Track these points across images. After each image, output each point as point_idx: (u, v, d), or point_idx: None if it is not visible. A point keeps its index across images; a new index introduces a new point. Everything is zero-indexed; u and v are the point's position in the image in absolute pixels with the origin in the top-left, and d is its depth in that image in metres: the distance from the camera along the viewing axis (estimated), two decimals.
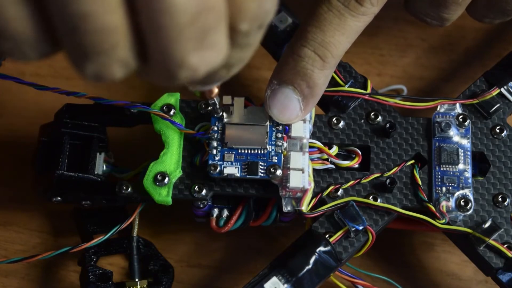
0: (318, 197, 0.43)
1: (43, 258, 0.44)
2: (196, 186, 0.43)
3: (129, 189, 0.43)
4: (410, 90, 0.53)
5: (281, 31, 0.47)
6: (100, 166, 0.45)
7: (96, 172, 0.44)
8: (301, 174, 0.42)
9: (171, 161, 0.43)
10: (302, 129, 0.43)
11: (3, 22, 0.27)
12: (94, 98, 0.45)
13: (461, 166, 0.44)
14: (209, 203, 0.45)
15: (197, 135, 0.44)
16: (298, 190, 0.42)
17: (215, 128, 0.43)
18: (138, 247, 0.47)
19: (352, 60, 0.48)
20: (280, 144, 0.43)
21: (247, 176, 0.42)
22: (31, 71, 0.54)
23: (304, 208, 0.42)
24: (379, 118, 0.45)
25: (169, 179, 0.43)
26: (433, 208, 0.43)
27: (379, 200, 0.43)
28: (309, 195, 0.42)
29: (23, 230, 0.50)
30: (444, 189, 0.43)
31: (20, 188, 0.50)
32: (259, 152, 0.42)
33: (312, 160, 0.43)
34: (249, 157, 0.42)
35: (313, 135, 0.44)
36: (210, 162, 0.42)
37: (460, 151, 0.44)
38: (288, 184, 0.42)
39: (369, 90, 0.45)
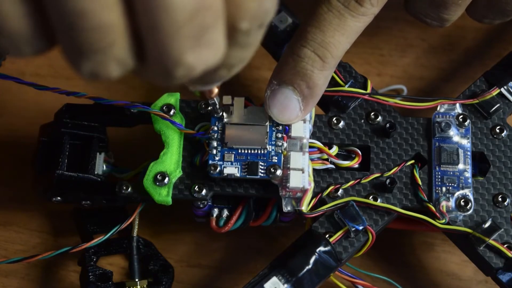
0: (318, 197, 0.43)
1: (43, 258, 0.44)
2: (196, 186, 0.43)
3: (129, 189, 0.43)
4: (410, 90, 0.53)
5: (281, 31, 0.47)
6: (100, 166, 0.45)
7: (96, 172, 0.44)
8: (301, 174, 0.42)
9: (171, 161, 0.43)
10: (302, 129, 0.43)
11: None
12: (94, 98, 0.45)
13: (461, 166, 0.44)
14: (209, 203, 0.45)
15: (197, 135, 0.44)
16: (298, 190, 0.42)
17: (215, 128, 0.43)
18: (138, 247, 0.47)
19: (352, 60, 0.48)
20: (280, 144, 0.43)
21: (247, 176, 0.42)
22: (31, 71, 0.54)
23: (304, 208, 0.42)
24: (379, 118, 0.45)
25: (169, 179, 0.43)
26: (433, 208, 0.43)
27: (379, 200, 0.43)
28: (309, 195, 0.42)
29: (23, 230, 0.50)
30: (444, 189, 0.43)
31: (20, 188, 0.50)
32: (259, 152, 0.42)
33: (312, 160, 0.43)
34: (249, 157, 0.42)
35: (313, 135, 0.44)
36: (210, 162, 0.42)
37: (460, 151, 0.44)
38: (288, 184, 0.42)
39: (369, 90, 0.45)
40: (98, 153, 0.45)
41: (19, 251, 0.50)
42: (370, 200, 0.43)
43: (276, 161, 0.42)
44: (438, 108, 0.45)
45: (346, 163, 0.44)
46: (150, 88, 0.53)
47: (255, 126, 0.43)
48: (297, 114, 0.42)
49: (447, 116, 0.45)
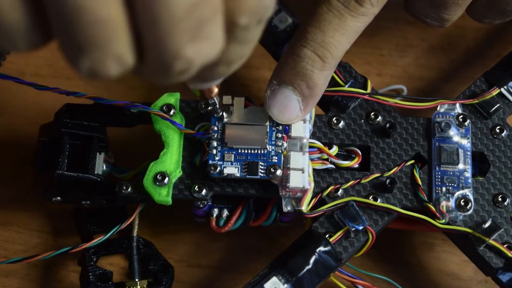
0: (318, 197, 0.43)
1: (43, 258, 0.44)
2: (196, 186, 0.43)
3: (129, 189, 0.43)
4: (410, 90, 0.53)
5: (281, 31, 0.47)
6: (100, 166, 0.45)
7: (96, 172, 0.44)
8: (301, 174, 0.42)
9: (171, 161, 0.43)
10: (302, 129, 0.43)
11: None
12: (94, 98, 0.45)
13: (461, 166, 0.44)
14: (209, 203, 0.45)
15: (197, 135, 0.44)
16: (298, 190, 0.42)
17: (215, 128, 0.43)
18: (138, 247, 0.47)
19: (352, 60, 0.48)
20: (280, 144, 0.43)
21: (247, 176, 0.42)
22: (31, 71, 0.54)
23: (304, 208, 0.42)
24: (379, 118, 0.45)
25: (169, 179, 0.43)
26: (433, 208, 0.43)
27: (379, 200, 0.43)
28: (309, 195, 0.42)
29: (23, 230, 0.50)
30: (444, 189, 0.43)
31: (20, 188, 0.50)
32: (259, 152, 0.42)
33: (312, 160, 0.43)
34: (249, 157, 0.42)
35: (313, 135, 0.44)
36: (210, 162, 0.42)
37: (460, 151, 0.44)
38: (288, 184, 0.42)
39: (369, 90, 0.45)
40: (98, 153, 0.45)
41: (19, 251, 0.50)
42: (370, 200, 0.43)
43: (276, 161, 0.42)
44: (438, 108, 0.45)
45: (346, 163, 0.44)
46: (150, 88, 0.53)
47: (255, 126, 0.43)
48: (297, 114, 0.42)
49: (447, 116, 0.45)
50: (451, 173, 0.44)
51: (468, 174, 0.44)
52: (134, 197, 0.44)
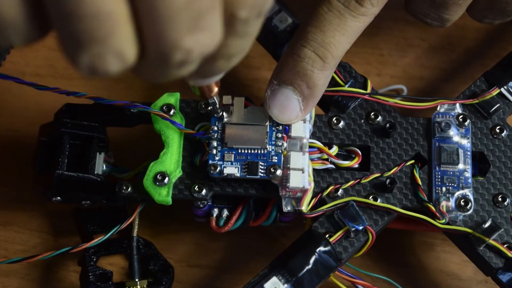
0: (318, 197, 0.43)
1: (43, 258, 0.44)
2: (196, 186, 0.43)
3: (129, 189, 0.43)
4: (410, 90, 0.53)
5: (281, 31, 0.47)
6: (100, 166, 0.45)
7: (96, 172, 0.44)
8: (301, 174, 0.42)
9: (171, 161, 0.43)
10: (302, 129, 0.43)
11: None
12: (94, 98, 0.45)
13: (461, 166, 0.44)
14: (209, 203, 0.45)
15: (197, 135, 0.44)
16: (298, 190, 0.42)
17: (215, 128, 0.43)
18: (138, 247, 0.47)
19: (352, 60, 0.48)
20: (280, 144, 0.43)
21: (247, 176, 0.42)
22: (31, 71, 0.54)
23: (304, 208, 0.42)
24: (379, 118, 0.45)
25: (169, 179, 0.43)
26: (433, 208, 0.43)
27: (379, 200, 0.43)
28: (309, 195, 0.42)
29: (23, 230, 0.50)
30: (444, 189, 0.43)
31: (20, 188, 0.50)
32: (259, 152, 0.42)
33: (312, 160, 0.43)
34: (249, 157, 0.42)
35: (313, 135, 0.44)
36: (210, 162, 0.42)
37: (460, 151, 0.44)
38: (288, 184, 0.42)
39: (369, 90, 0.45)
40: (98, 153, 0.45)
41: (19, 251, 0.50)
42: (370, 200, 0.43)
43: (276, 161, 0.42)
44: (438, 108, 0.45)
45: (346, 163, 0.44)
46: (150, 88, 0.53)
47: (255, 126, 0.43)
48: (297, 114, 0.42)
49: (447, 116, 0.45)
50: (451, 173, 0.44)
51: (468, 174, 0.44)
52: (134, 197, 0.44)
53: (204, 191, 0.43)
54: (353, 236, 0.43)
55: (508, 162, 0.44)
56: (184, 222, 0.50)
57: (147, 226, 0.49)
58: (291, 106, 0.42)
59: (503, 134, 0.45)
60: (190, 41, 0.28)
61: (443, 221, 0.43)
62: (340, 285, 0.43)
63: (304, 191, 0.42)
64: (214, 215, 0.45)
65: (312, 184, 0.43)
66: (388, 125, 0.44)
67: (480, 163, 0.45)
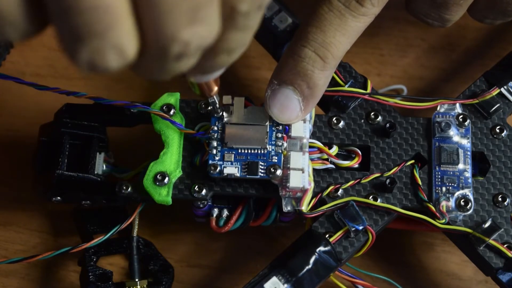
0: (318, 197, 0.43)
1: (43, 258, 0.44)
2: (196, 186, 0.43)
3: (129, 189, 0.43)
4: (410, 90, 0.53)
5: (281, 31, 0.47)
6: (100, 166, 0.45)
7: (96, 172, 0.44)
8: (301, 174, 0.42)
9: (171, 161, 0.43)
10: (302, 129, 0.43)
11: None
12: (94, 98, 0.45)
13: (461, 166, 0.44)
14: (209, 203, 0.45)
15: (197, 135, 0.44)
16: (298, 190, 0.42)
17: (215, 128, 0.43)
18: (138, 247, 0.47)
19: (352, 60, 0.48)
20: (280, 144, 0.43)
21: (247, 176, 0.42)
22: (31, 71, 0.54)
23: (304, 208, 0.42)
24: (379, 118, 0.45)
25: (169, 179, 0.43)
26: (433, 208, 0.43)
27: (379, 200, 0.43)
28: (309, 195, 0.42)
29: (23, 230, 0.50)
30: (444, 189, 0.43)
31: (20, 188, 0.50)
32: (259, 152, 0.42)
33: (312, 160, 0.43)
34: (249, 157, 0.42)
35: (313, 135, 0.44)
36: (210, 162, 0.42)
37: (460, 151, 0.44)
38: (288, 184, 0.42)
39: (369, 90, 0.45)
40: (98, 153, 0.45)
41: (19, 251, 0.50)
42: (370, 200, 0.43)
43: (276, 161, 0.42)
44: (438, 108, 0.45)
45: (346, 163, 0.44)
46: (150, 88, 0.53)
47: (255, 126, 0.43)
48: (297, 114, 0.42)
49: (447, 116, 0.45)
50: (451, 173, 0.44)
51: (468, 174, 0.44)
52: (134, 197, 0.44)
53: (204, 191, 0.43)
54: (353, 236, 0.43)
55: (508, 162, 0.44)
56: (184, 222, 0.50)
57: (147, 226, 0.49)
58: (291, 106, 0.42)
59: (503, 134, 0.45)
60: (188, 33, 0.28)
61: (443, 221, 0.43)
62: (340, 285, 0.43)
63: (304, 191, 0.42)
64: (214, 215, 0.45)
65: (312, 184, 0.43)
66: (388, 125, 0.44)
67: (480, 163, 0.45)
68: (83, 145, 0.45)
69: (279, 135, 0.43)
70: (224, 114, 0.43)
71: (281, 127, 0.43)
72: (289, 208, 0.42)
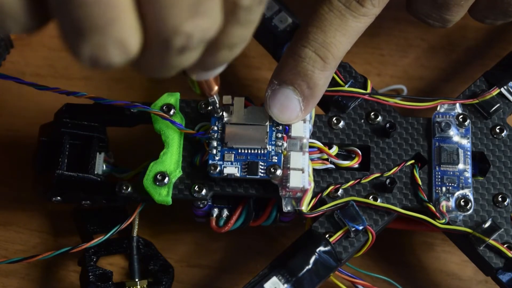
0: (318, 197, 0.43)
1: (43, 258, 0.44)
2: (196, 186, 0.43)
3: (129, 189, 0.43)
4: (410, 90, 0.53)
5: (281, 31, 0.47)
6: (100, 166, 0.45)
7: (96, 172, 0.44)
8: (301, 174, 0.42)
9: (171, 161, 0.43)
10: (302, 129, 0.43)
11: None
12: (94, 98, 0.45)
13: (461, 166, 0.44)
14: (209, 203, 0.45)
15: (197, 135, 0.44)
16: (298, 190, 0.42)
17: (215, 128, 0.43)
18: (138, 247, 0.47)
19: (352, 60, 0.48)
20: (280, 144, 0.43)
21: (247, 176, 0.42)
22: (31, 71, 0.54)
23: (304, 208, 0.42)
24: (379, 118, 0.45)
25: (169, 179, 0.43)
26: (433, 208, 0.43)
27: (379, 200, 0.43)
28: (309, 195, 0.42)
29: (23, 230, 0.50)
30: (444, 189, 0.43)
31: (20, 188, 0.50)
32: (259, 152, 0.42)
33: (312, 160, 0.43)
34: (249, 157, 0.42)
35: (313, 135, 0.44)
36: (210, 162, 0.42)
37: (460, 151, 0.44)
38: (288, 184, 0.42)
39: (369, 90, 0.45)
40: (98, 153, 0.45)
41: (19, 251, 0.50)
42: (370, 200, 0.43)
43: (276, 161, 0.42)
44: (438, 108, 0.45)
45: (346, 163, 0.44)
46: (150, 88, 0.53)
47: (255, 126, 0.43)
48: (297, 114, 0.42)
49: (447, 116, 0.45)
50: (451, 173, 0.44)
51: (468, 174, 0.44)
52: (134, 197, 0.44)
53: (204, 191, 0.43)
54: (353, 236, 0.43)
55: (508, 162, 0.44)
56: (184, 222, 0.50)
57: (147, 226, 0.49)
58: (291, 106, 0.42)
59: (503, 134, 0.45)
60: (190, 26, 0.28)
61: (443, 221, 0.43)
62: (340, 285, 0.43)
63: (304, 191, 0.42)
64: (214, 215, 0.45)
65: (312, 184, 0.43)
66: (388, 125, 0.44)
67: (480, 163, 0.45)
68: (83, 145, 0.45)
69: (279, 135, 0.43)
70: (224, 114, 0.43)
71: (281, 127, 0.43)
72: (289, 208, 0.42)
